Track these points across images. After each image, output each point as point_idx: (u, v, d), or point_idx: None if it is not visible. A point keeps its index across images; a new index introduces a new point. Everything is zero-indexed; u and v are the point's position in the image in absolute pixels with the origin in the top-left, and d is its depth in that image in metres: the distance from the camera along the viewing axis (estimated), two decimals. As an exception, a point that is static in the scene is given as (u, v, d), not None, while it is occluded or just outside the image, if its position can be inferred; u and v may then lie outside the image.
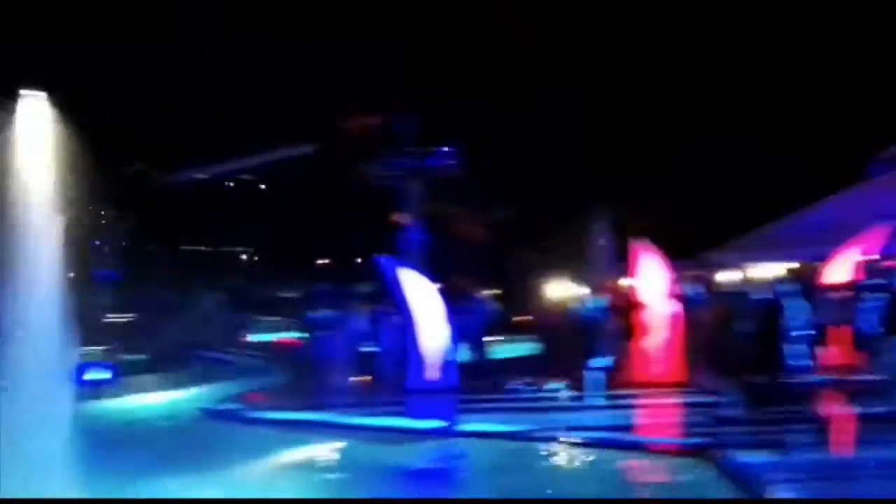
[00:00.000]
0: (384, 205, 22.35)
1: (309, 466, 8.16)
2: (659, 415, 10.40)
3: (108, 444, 7.19)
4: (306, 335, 15.90)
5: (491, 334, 16.26)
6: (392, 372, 13.03)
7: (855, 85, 28.92)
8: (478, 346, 14.95)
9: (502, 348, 17.68)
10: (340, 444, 9.07)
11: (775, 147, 28.76)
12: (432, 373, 12.15)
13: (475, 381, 12.38)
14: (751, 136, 29.08)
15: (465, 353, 14.91)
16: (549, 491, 6.81)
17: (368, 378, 13.51)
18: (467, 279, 16.61)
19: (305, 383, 13.38)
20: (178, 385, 13.69)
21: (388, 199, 22.29)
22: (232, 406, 11.55)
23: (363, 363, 13.76)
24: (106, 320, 21.29)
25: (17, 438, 5.17)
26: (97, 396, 10.88)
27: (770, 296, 10.46)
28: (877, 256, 14.10)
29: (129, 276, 23.13)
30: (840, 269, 13.10)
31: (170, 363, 16.41)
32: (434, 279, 13.09)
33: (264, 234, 29.38)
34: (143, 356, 17.07)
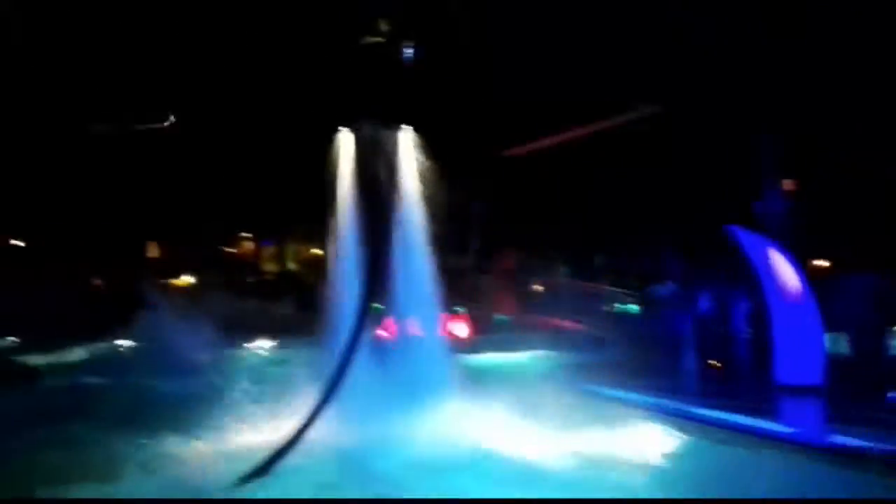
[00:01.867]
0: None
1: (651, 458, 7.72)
2: None
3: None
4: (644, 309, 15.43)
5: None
6: (747, 361, 12.24)
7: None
8: (868, 338, 12.03)
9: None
10: (687, 438, 8.31)
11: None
12: (800, 368, 10.78)
13: (852, 382, 10.48)
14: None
15: (841, 345, 12.50)
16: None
17: (719, 365, 12.72)
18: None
19: (648, 361, 12.71)
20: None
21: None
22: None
23: (713, 347, 12.84)
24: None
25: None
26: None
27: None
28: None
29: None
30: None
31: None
32: (796, 257, 11.37)
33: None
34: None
